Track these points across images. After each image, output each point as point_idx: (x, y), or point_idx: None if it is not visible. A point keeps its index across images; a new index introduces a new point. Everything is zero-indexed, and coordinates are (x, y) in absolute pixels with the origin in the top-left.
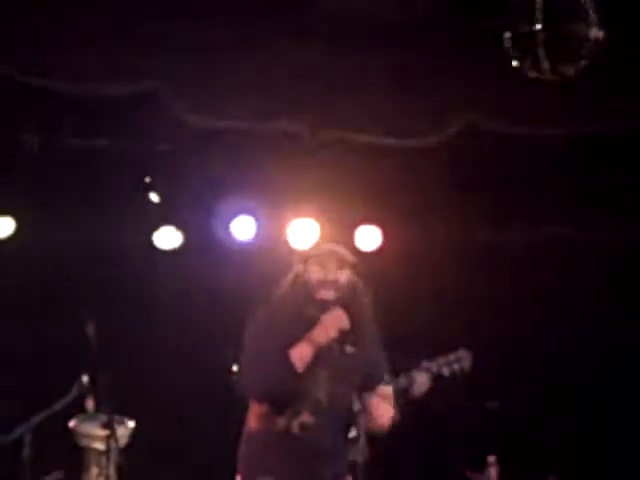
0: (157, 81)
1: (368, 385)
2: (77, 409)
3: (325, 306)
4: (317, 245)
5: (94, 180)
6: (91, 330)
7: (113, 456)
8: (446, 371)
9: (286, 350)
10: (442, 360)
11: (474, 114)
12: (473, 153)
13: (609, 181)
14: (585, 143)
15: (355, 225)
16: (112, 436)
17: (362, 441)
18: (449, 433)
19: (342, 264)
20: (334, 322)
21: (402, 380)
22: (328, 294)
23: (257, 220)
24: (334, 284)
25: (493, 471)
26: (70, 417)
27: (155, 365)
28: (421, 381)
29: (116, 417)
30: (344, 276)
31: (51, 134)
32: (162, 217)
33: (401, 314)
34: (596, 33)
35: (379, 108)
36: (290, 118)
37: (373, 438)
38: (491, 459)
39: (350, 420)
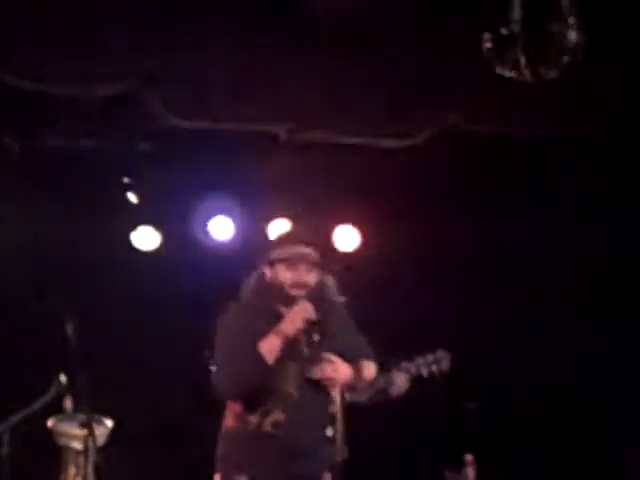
0: (138, 81)
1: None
2: (55, 408)
3: (294, 302)
4: (284, 248)
5: (73, 180)
6: (70, 329)
7: (91, 455)
8: (425, 371)
9: (255, 344)
10: (421, 360)
11: (454, 115)
12: (453, 154)
13: (590, 181)
14: (566, 144)
15: (333, 225)
16: (90, 435)
17: (340, 440)
18: (427, 432)
19: (311, 266)
20: (301, 313)
21: (381, 380)
22: (299, 292)
23: (235, 220)
24: (305, 286)
25: (471, 470)
26: (48, 416)
27: (134, 364)
28: (400, 381)
29: (94, 416)
30: (313, 278)
31: (32, 135)
32: (140, 217)
33: (380, 314)
34: (576, 34)
35: (358, 109)
36: (268, 119)
37: (350, 438)
38: (468, 458)
39: (325, 419)
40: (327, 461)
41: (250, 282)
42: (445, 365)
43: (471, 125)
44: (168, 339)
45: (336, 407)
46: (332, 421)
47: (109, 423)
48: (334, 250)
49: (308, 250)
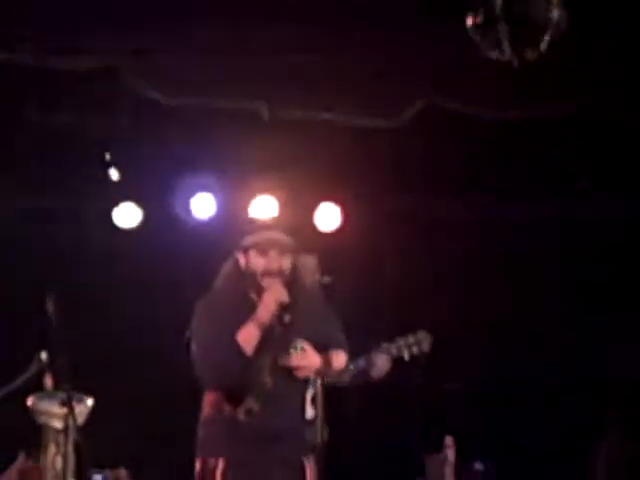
0: (118, 56)
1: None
2: (35, 386)
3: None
4: (256, 234)
5: (53, 156)
6: (50, 306)
7: (71, 434)
8: (405, 353)
9: (233, 336)
10: (402, 342)
11: (435, 95)
12: (434, 134)
13: (571, 162)
14: (548, 124)
15: (315, 203)
16: (70, 414)
17: (319, 422)
18: (407, 415)
19: (283, 250)
20: (273, 295)
21: (361, 362)
22: (271, 281)
23: (217, 197)
24: (278, 272)
25: (450, 452)
26: (28, 394)
27: (114, 342)
28: (380, 363)
29: (75, 395)
30: (286, 262)
31: (11, 108)
32: (121, 194)
33: (361, 295)
34: (558, 15)
35: (340, 87)
36: (250, 95)
37: (331, 419)
38: (448, 440)
39: (303, 402)
40: (308, 443)
41: (225, 269)
42: (426, 346)
43: (452, 105)
44: (150, 317)
45: (315, 389)
46: (311, 403)
47: (89, 402)
48: (315, 230)
49: (280, 235)
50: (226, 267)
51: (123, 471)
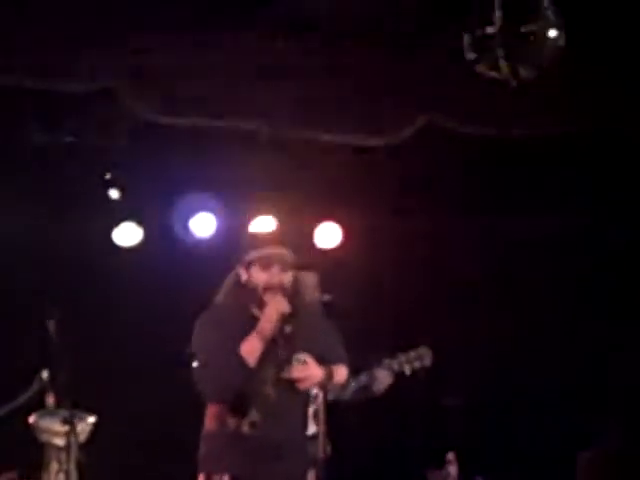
0: (117, 78)
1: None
2: (37, 405)
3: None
4: (259, 249)
5: (54, 176)
6: (52, 326)
7: (73, 452)
8: (407, 368)
9: (235, 349)
10: (403, 357)
11: (435, 113)
12: (433, 152)
13: (569, 180)
14: (546, 143)
15: (315, 222)
16: (72, 432)
17: (322, 437)
18: (409, 430)
19: (285, 266)
20: (274, 307)
21: (363, 377)
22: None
23: (217, 217)
24: (280, 287)
25: (453, 468)
26: (30, 412)
27: (115, 361)
28: (382, 378)
29: (76, 413)
30: (287, 277)
31: (11, 130)
32: (122, 213)
33: (362, 311)
34: (555, 34)
35: (339, 106)
36: (249, 115)
37: (333, 435)
38: (450, 456)
39: (304, 419)
40: (310, 458)
41: (226, 283)
42: (427, 362)
43: (451, 123)
44: (150, 336)
45: (317, 404)
46: (313, 419)
47: (91, 419)
48: (315, 248)
49: (282, 250)
50: (227, 281)
51: None
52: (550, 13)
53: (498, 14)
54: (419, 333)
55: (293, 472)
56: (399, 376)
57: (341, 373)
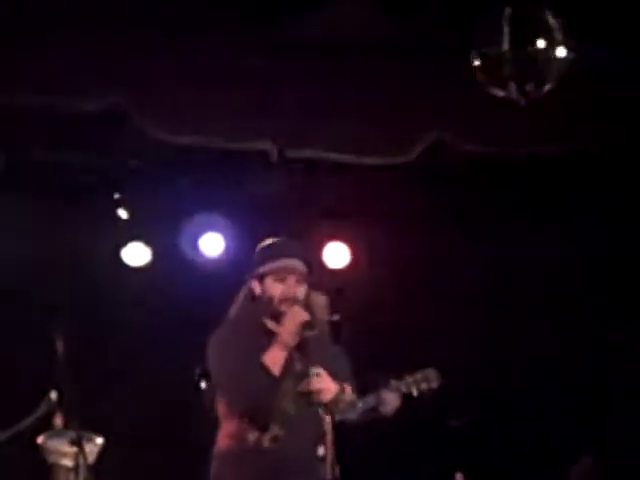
0: (126, 97)
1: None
2: (45, 425)
3: (283, 317)
4: (273, 261)
5: (63, 196)
6: (60, 346)
7: (82, 473)
8: (414, 390)
9: (258, 361)
10: (410, 379)
11: (442, 132)
12: (441, 171)
13: (576, 200)
14: (551, 163)
15: (323, 242)
16: (81, 453)
17: (330, 458)
18: (417, 451)
19: (300, 278)
20: (294, 318)
21: (370, 399)
22: (288, 308)
23: (225, 237)
24: (295, 299)
25: None
26: (38, 433)
27: (124, 381)
28: (390, 400)
29: (84, 433)
30: (302, 291)
31: (19, 149)
32: (130, 233)
33: (369, 331)
34: (563, 54)
35: (347, 126)
36: (259, 136)
37: (340, 457)
38: (459, 477)
39: (318, 436)
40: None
41: (239, 298)
42: (434, 383)
43: (461, 143)
44: (158, 355)
45: (326, 425)
46: (322, 440)
47: (99, 440)
48: (324, 268)
49: (297, 262)
50: (239, 296)
51: None
52: (557, 32)
53: (506, 32)
54: (425, 354)
55: None
56: (406, 397)
57: (348, 391)
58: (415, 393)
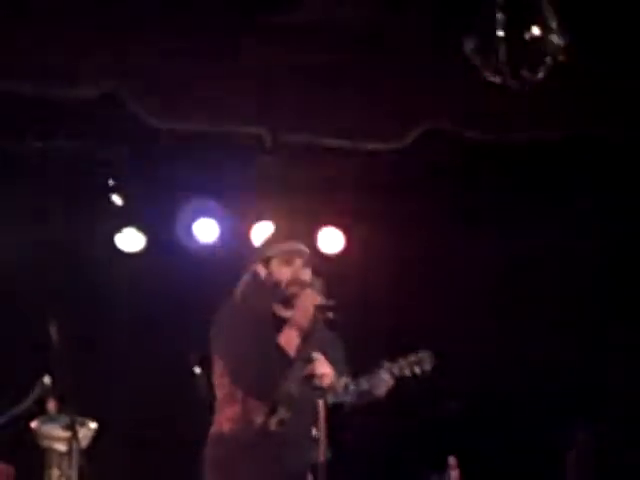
0: (119, 82)
1: None
2: (39, 410)
3: (291, 301)
4: (278, 244)
5: (56, 182)
6: (54, 331)
7: (75, 457)
8: (408, 372)
9: (270, 345)
10: (403, 361)
11: (437, 118)
12: (436, 156)
13: (573, 186)
14: (549, 149)
15: (318, 228)
16: (74, 437)
17: (323, 442)
18: (409, 434)
19: (306, 261)
20: (308, 300)
21: (363, 381)
22: (296, 290)
23: (219, 222)
24: (302, 283)
25: (454, 473)
26: (32, 418)
27: (117, 366)
28: (383, 382)
29: (78, 418)
30: (308, 274)
31: (12, 136)
32: (124, 219)
33: (363, 316)
34: (557, 37)
35: (342, 111)
36: (252, 121)
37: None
38: (452, 461)
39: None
40: (311, 461)
41: (243, 283)
42: (428, 365)
43: (456, 128)
44: (152, 341)
45: (320, 408)
46: (316, 422)
47: (93, 425)
48: (319, 253)
49: (302, 245)
50: (244, 280)
51: None
52: (552, 17)
53: (500, 18)
54: (420, 336)
55: (297, 473)
56: (399, 380)
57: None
58: (408, 375)
